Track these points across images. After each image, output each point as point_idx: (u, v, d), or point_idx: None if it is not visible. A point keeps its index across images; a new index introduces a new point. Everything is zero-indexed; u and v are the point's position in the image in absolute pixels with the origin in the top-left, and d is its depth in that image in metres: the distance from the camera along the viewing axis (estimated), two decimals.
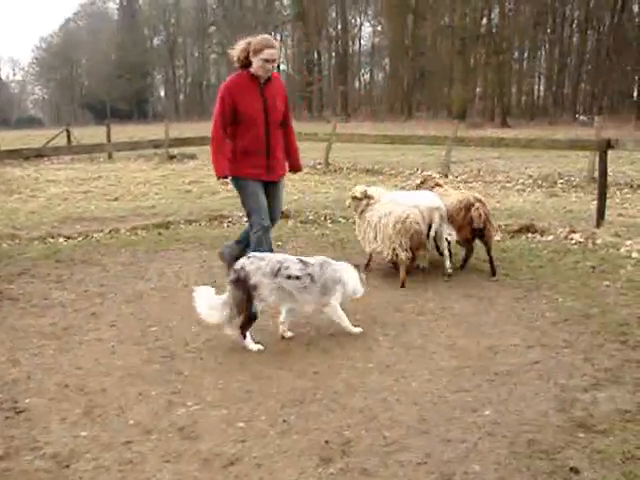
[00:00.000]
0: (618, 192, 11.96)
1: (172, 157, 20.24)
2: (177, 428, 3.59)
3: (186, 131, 28.21)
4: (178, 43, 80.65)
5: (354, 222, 7.25)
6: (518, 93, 54.66)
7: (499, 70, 47.13)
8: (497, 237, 8.09)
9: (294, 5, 66.94)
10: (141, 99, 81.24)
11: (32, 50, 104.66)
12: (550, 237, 8.02)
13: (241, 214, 8.78)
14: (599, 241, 7.57)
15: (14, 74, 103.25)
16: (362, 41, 69.79)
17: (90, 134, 30.00)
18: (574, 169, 15.35)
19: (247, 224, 6.46)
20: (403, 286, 6.26)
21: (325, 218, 9.61)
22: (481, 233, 6.58)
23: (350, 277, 4.98)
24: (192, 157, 19.98)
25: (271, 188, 6.11)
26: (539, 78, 55.98)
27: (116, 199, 12.66)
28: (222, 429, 3.57)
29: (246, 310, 4.68)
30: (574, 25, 52.03)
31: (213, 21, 76.38)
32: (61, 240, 8.55)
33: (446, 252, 6.68)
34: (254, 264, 4.69)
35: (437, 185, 7.24)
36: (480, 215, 6.46)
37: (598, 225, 8.23)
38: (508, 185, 13.53)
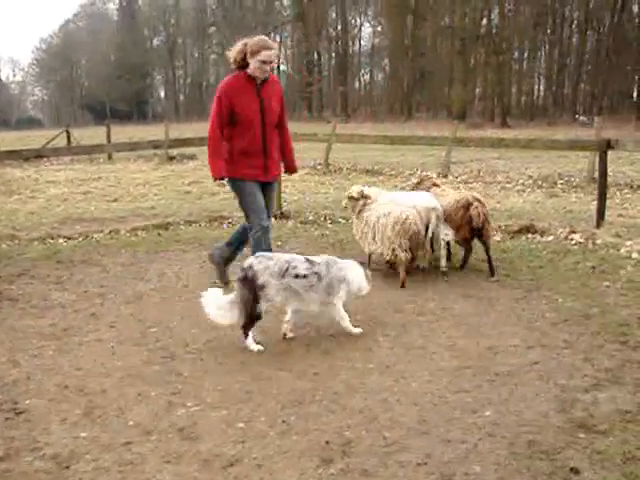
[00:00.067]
0: (618, 192, 11.97)
1: (172, 158, 20.26)
2: (177, 429, 3.59)
3: (186, 132, 28.20)
4: (178, 44, 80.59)
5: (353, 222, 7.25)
6: (518, 93, 54.61)
7: (499, 70, 47.10)
8: (497, 237, 8.11)
9: (294, 5, 66.90)
10: (141, 100, 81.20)
11: (32, 51, 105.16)
12: (550, 238, 8.02)
13: (240, 215, 8.77)
14: (599, 241, 7.57)
15: (14, 75, 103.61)
16: (362, 41, 69.79)
17: (90, 135, 30.02)
18: (574, 169, 15.36)
19: (238, 226, 6.46)
20: (403, 286, 6.27)
21: (325, 219, 9.61)
22: (480, 232, 6.59)
23: (355, 275, 5.00)
24: (192, 158, 19.99)
25: (267, 188, 6.12)
26: (539, 78, 55.94)
27: (116, 200, 12.67)
28: (222, 430, 3.57)
29: (251, 310, 4.67)
30: (574, 25, 51.99)
31: (213, 22, 76.33)
32: (61, 241, 8.56)
33: (443, 251, 6.72)
34: (262, 264, 4.69)
35: (434, 185, 7.26)
36: (479, 214, 6.46)
37: (598, 225, 8.23)
38: (508, 185, 13.54)
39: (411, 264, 6.55)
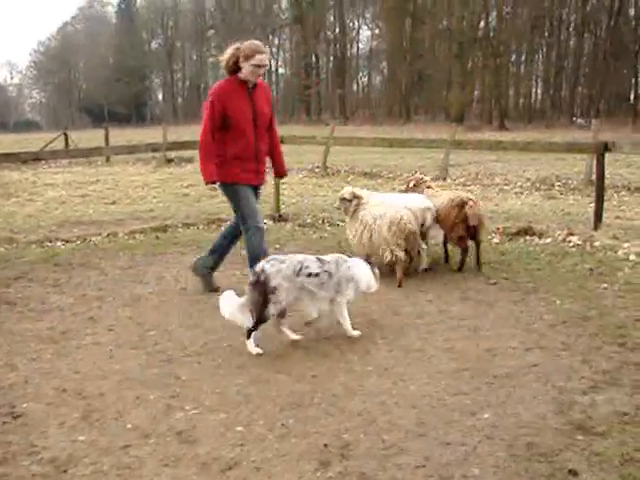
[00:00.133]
0: (615, 195, 11.99)
1: (170, 161, 20.27)
2: (175, 432, 3.58)
3: (184, 135, 28.07)
4: (176, 47, 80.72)
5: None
6: (516, 96, 54.70)
7: (497, 73, 47.21)
8: (495, 240, 8.13)
9: (292, 8, 67.04)
10: (139, 102, 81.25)
11: (30, 54, 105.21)
12: (548, 240, 8.03)
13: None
14: (597, 244, 7.58)
15: (12, 77, 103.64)
16: (360, 44, 69.95)
17: (88, 138, 30.04)
18: (572, 172, 15.39)
19: (219, 233, 6.52)
20: (400, 286, 6.30)
21: (323, 221, 9.61)
22: (474, 231, 6.70)
23: (364, 273, 5.04)
24: (190, 161, 19.98)
25: (256, 192, 6.15)
26: (536, 81, 56.06)
27: (114, 203, 12.67)
28: (220, 433, 3.56)
29: (259, 312, 4.68)
30: (571, 28, 52.11)
31: (211, 25, 76.46)
32: (59, 244, 8.55)
33: (424, 254, 6.88)
34: (275, 267, 4.70)
35: (428, 187, 7.36)
36: (474, 213, 6.57)
37: (596, 228, 8.24)
38: (506, 188, 13.56)
39: (410, 265, 6.59)
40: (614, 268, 6.65)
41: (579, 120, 42.19)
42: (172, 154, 20.09)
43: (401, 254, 6.30)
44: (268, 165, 6.25)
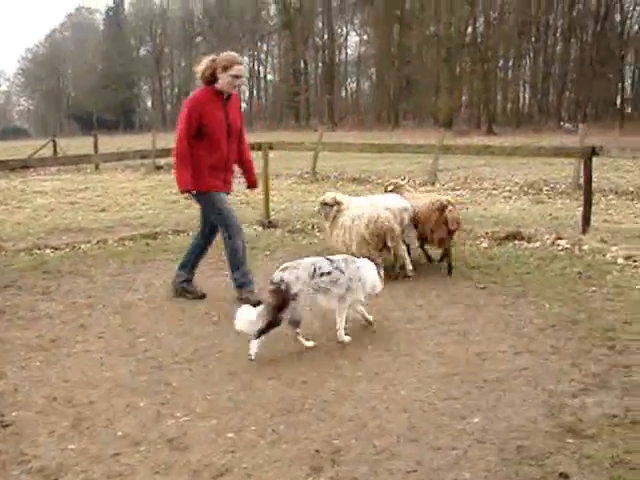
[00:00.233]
0: (603, 198, 12.07)
1: (159, 167, 20.23)
2: (166, 439, 3.57)
3: (173, 141, 28.08)
4: (164, 53, 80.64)
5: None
6: (504, 101, 55.02)
7: (485, 78, 47.47)
8: (484, 244, 8.17)
9: (280, 15, 67.18)
10: (128, 109, 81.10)
11: (18, 61, 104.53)
12: (537, 244, 8.07)
13: None
14: (585, 247, 7.62)
15: None
16: (348, 50, 70.16)
17: (77, 145, 29.96)
18: (560, 176, 15.47)
19: (188, 245, 6.60)
20: None
21: (313, 227, 9.61)
22: (452, 235, 6.89)
23: (369, 274, 5.11)
24: None
25: None
26: (524, 86, 56.40)
27: (103, 210, 12.63)
28: (211, 440, 3.55)
29: (272, 317, 4.70)
30: (558, 34, 52.49)
31: (199, 31, 76.49)
32: (48, 251, 8.51)
33: (405, 254, 7.00)
34: (293, 274, 4.74)
35: (406, 191, 7.56)
36: (454, 217, 6.74)
37: (584, 231, 8.28)
38: (495, 192, 13.62)
39: (395, 266, 6.69)
40: (602, 271, 6.69)
41: (567, 125, 42.44)
42: (161, 161, 20.04)
43: (378, 253, 6.41)
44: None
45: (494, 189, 14.03)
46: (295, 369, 4.52)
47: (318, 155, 17.47)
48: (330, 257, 5.07)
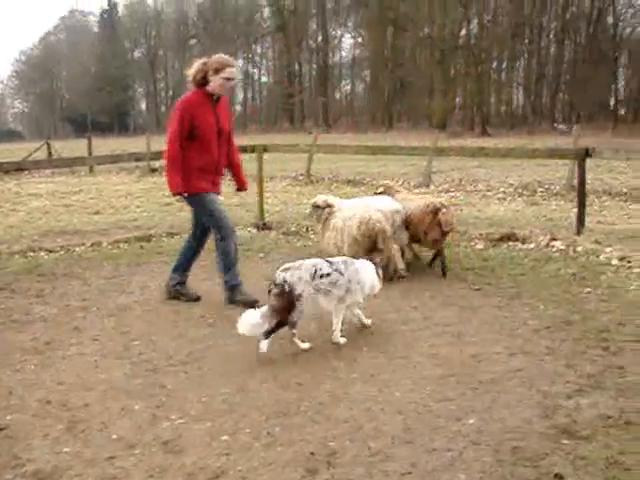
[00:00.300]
0: (597, 200, 12.11)
1: (153, 170, 20.20)
2: (161, 442, 3.57)
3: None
4: (159, 56, 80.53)
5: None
6: (497, 103, 55.08)
7: (478, 80, 47.52)
8: (479, 245, 8.19)
9: (275, 17, 67.17)
10: (122, 112, 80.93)
11: (12, 63, 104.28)
12: (531, 245, 8.08)
13: None
14: (579, 248, 7.64)
15: None
16: (343, 52, 70.25)
17: (71, 147, 29.88)
18: (554, 177, 15.51)
19: (179, 248, 6.60)
20: None
21: (307, 229, 9.61)
22: (445, 236, 6.95)
23: (368, 275, 5.14)
24: None
25: None
26: (518, 88, 56.51)
27: (97, 212, 12.61)
28: (206, 442, 3.55)
29: (281, 317, 4.74)
30: (551, 36, 52.66)
31: (194, 34, 76.41)
32: (42, 254, 8.49)
33: (397, 254, 6.97)
34: (295, 275, 4.78)
35: (397, 192, 7.59)
36: (447, 220, 6.79)
37: (578, 232, 8.31)
38: (489, 194, 13.65)
39: (387, 268, 6.72)
40: (597, 272, 6.70)
41: (560, 126, 42.54)
42: (156, 163, 19.99)
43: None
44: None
45: (488, 191, 14.06)
46: (290, 371, 4.51)
47: (312, 157, 17.48)
48: (330, 259, 5.09)
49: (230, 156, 6.28)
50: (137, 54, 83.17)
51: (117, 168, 21.24)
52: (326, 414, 3.83)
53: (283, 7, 65.21)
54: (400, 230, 6.96)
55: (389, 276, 6.71)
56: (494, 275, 6.86)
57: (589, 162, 8.56)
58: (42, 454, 3.47)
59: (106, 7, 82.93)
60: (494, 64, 53.21)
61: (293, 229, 9.70)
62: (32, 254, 8.48)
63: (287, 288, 4.72)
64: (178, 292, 6.36)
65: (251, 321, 4.73)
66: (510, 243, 8.25)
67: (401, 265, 6.91)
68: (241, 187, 6.57)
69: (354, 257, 5.41)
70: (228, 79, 5.82)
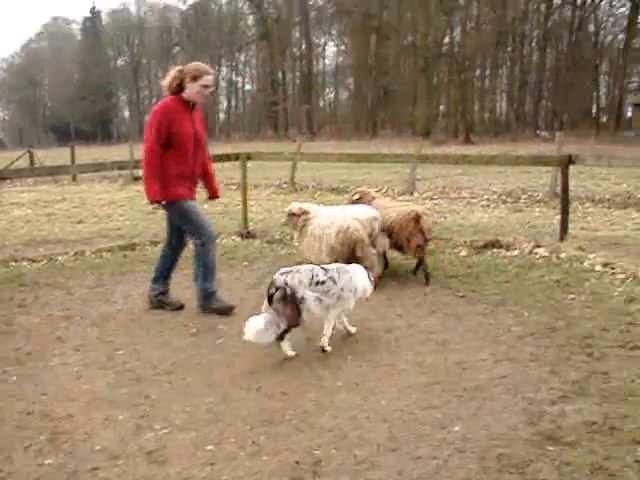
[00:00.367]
0: (580, 206, 12.21)
1: (137, 178, 20.07)
2: (145, 452, 3.53)
3: None
4: (142, 64, 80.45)
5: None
6: (481, 110, 55.49)
7: (462, 88, 47.86)
8: (463, 253, 8.21)
9: (258, 25, 67.33)
10: (105, 120, 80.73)
11: None
12: (515, 252, 8.11)
13: None
14: (563, 255, 7.68)
15: None
16: (326, 60, 70.56)
17: (54, 156, 29.72)
18: (537, 184, 15.62)
19: (158, 258, 6.54)
20: None
21: (291, 238, 9.58)
22: (427, 243, 7.02)
23: (360, 279, 5.19)
24: None
25: None
26: (501, 95, 56.96)
27: (80, 221, 12.53)
28: (191, 452, 3.52)
29: (293, 320, 4.78)
30: (534, 43, 53.16)
31: (177, 41, 76.38)
32: (24, 263, 8.41)
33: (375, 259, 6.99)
34: (295, 279, 4.81)
35: (373, 198, 7.58)
36: (429, 227, 6.89)
37: (562, 239, 8.35)
38: (473, 201, 13.70)
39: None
40: (580, 279, 6.74)
41: (543, 133, 42.91)
42: (139, 172, 19.85)
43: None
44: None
45: (472, 198, 14.12)
46: (275, 380, 4.49)
47: (297, 165, 17.49)
48: (325, 266, 5.11)
49: (204, 165, 6.25)
50: (120, 62, 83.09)
51: (100, 177, 21.16)
52: (311, 423, 3.81)
53: (267, 15, 65.41)
54: (380, 236, 6.97)
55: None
56: (478, 282, 6.87)
57: (572, 169, 8.62)
58: (23, 466, 3.43)
59: (89, 15, 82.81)
60: (477, 72, 53.66)
61: (277, 237, 9.68)
62: (14, 263, 8.40)
63: (289, 291, 4.75)
64: (161, 302, 6.32)
65: (256, 327, 4.71)
66: (494, 250, 8.28)
67: (378, 269, 6.92)
68: (213, 195, 6.54)
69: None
70: (206, 86, 5.84)
